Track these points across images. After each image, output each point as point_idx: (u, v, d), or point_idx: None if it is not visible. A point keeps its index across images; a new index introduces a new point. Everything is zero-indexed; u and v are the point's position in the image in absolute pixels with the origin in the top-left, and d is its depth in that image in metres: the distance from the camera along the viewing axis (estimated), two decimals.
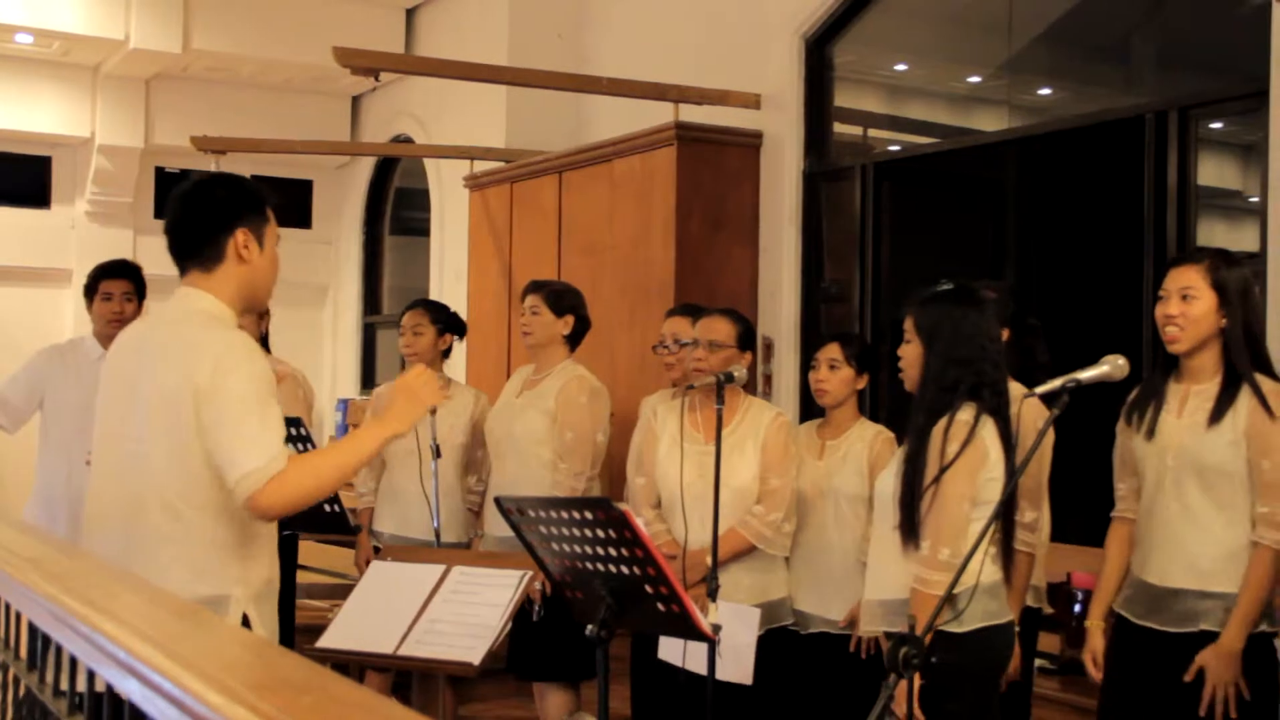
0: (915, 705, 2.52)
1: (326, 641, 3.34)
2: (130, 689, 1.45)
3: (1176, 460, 3.06)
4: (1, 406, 4.66)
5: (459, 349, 5.75)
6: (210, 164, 7.82)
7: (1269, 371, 3.07)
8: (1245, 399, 3.01)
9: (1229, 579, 3.00)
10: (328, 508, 4.15)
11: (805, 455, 3.93)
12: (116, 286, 4.66)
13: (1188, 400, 3.10)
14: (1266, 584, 2.96)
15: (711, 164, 6.25)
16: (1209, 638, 3.00)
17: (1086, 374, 2.71)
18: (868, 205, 6.08)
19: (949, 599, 2.56)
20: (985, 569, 2.95)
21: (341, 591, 3.80)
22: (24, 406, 4.68)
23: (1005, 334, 3.49)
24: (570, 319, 4.51)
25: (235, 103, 9.43)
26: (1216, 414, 3.02)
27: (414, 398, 2.82)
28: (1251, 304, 3.09)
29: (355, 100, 10.09)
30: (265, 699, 1.23)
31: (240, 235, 2.74)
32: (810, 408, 5.75)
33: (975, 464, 2.97)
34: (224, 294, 2.75)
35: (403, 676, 4.10)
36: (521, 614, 4.01)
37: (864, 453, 3.84)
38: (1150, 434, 3.13)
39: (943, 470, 2.96)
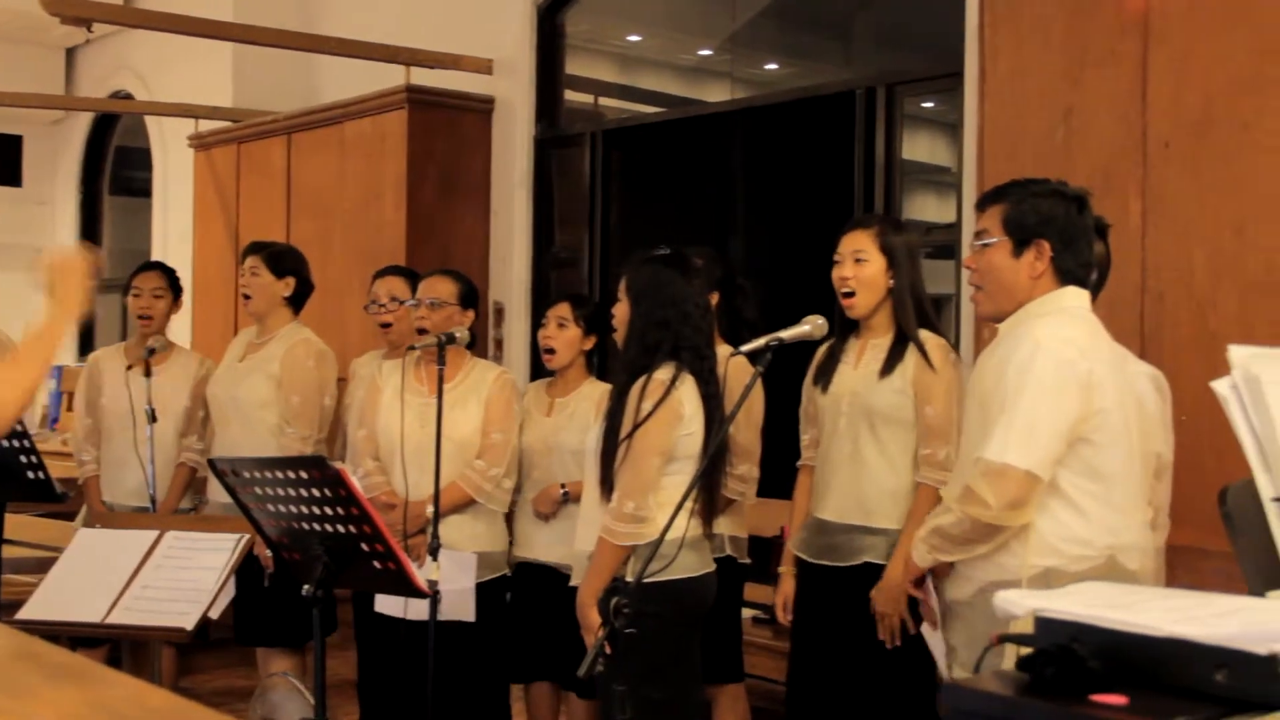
0: (606, 650, 2.62)
1: (28, 613, 3.22)
2: None
3: (850, 406, 3.30)
4: None
5: (183, 313, 5.57)
6: None
7: (932, 327, 3.34)
8: (912, 353, 3.27)
9: (889, 516, 3.26)
10: (32, 475, 3.96)
11: (534, 412, 3.99)
12: None
13: (864, 353, 3.35)
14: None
15: (443, 128, 6.24)
16: (871, 569, 3.24)
17: (788, 333, 2.85)
18: (597, 172, 6.18)
19: (656, 550, 2.67)
20: (689, 525, 3.06)
21: (50, 565, 3.64)
22: None
23: (715, 297, 3.65)
24: (291, 281, 4.44)
25: None
26: (888, 366, 3.28)
27: (75, 273, 2.67)
28: (917, 266, 3.36)
29: (70, 52, 9.58)
30: None
31: None
32: (540, 371, 5.81)
33: (669, 421, 3.08)
34: None
35: (118, 649, 3.98)
36: (251, 580, 3.94)
37: (591, 411, 3.91)
38: (827, 385, 3.35)
39: (636, 426, 3.06)
